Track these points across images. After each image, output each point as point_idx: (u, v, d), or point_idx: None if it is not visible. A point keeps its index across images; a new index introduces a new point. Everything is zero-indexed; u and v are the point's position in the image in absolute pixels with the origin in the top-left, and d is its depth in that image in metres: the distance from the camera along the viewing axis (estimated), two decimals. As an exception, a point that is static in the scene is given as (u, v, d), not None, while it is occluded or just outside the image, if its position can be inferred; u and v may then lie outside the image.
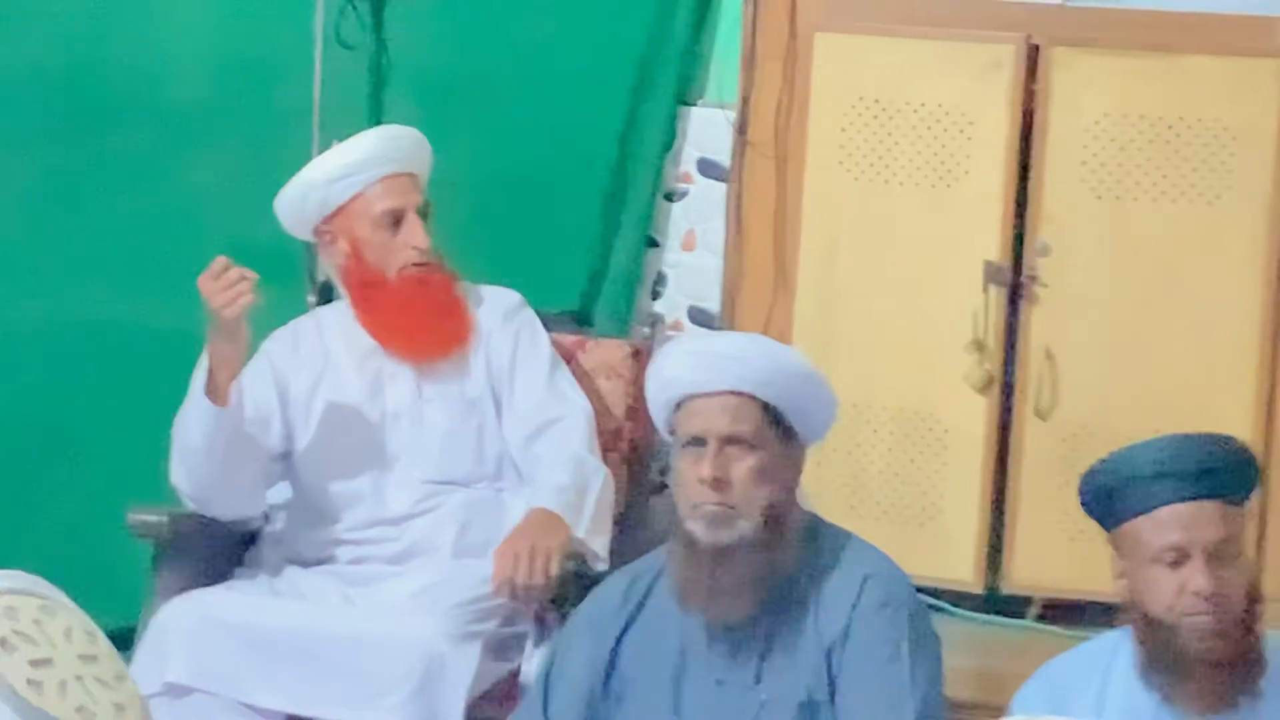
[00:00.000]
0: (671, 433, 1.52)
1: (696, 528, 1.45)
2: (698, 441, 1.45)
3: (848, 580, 1.49)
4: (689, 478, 1.44)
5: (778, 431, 1.48)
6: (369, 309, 1.85)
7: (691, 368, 1.51)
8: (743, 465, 1.45)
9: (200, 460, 1.79)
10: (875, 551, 1.53)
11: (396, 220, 1.83)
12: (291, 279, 2.03)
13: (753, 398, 1.47)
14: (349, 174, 1.82)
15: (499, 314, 1.92)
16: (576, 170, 2.28)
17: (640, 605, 1.60)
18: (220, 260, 1.72)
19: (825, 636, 1.47)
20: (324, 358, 1.92)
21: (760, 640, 1.50)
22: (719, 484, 1.44)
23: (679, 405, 1.49)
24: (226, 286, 1.70)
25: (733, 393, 1.46)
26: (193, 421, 1.78)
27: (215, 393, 1.74)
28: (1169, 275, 1.90)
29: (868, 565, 1.51)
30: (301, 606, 1.85)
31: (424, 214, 1.85)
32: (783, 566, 1.48)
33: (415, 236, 1.81)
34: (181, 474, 1.82)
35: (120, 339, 2.24)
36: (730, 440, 1.45)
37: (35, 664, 1.04)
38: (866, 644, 1.46)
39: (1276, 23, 1.91)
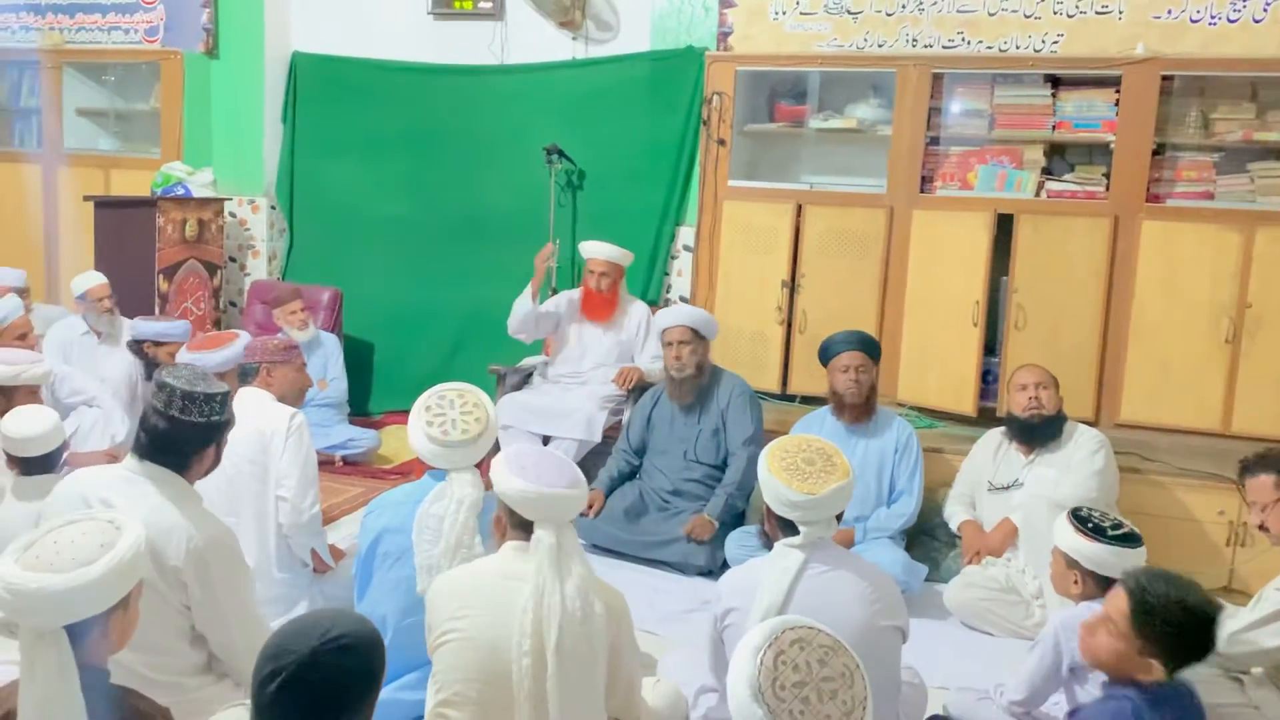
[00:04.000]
0: (660, 342, 4.51)
1: (673, 372, 4.32)
2: (670, 345, 4.41)
3: (727, 385, 4.36)
4: (669, 356, 4.28)
5: (697, 337, 4.33)
6: None
7: (667, 318, 4.34)
8: (686, 349, 4.27)
9: (521, 321, 4.83)
10: (738, 376, 4.40)
11: None
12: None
13: (690, 328, 4.43)
14: None
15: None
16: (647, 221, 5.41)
17: (657, 398, 4.48)
18: (548, 246, 4.87)
19: (722, 404, 4.36)
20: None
21: (697, 408, 4.39)
22: (679, 358, 4.39)
23: (663, 331, 4.46)
24: (544, 258, 4.82)
25: (681, 326, 4.34)
26: (519, 305, 4.77)
27: (531, 297, 4.79)
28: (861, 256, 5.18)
29: (734, 380, 4.28)
30: (546, 397, 4.91)
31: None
32: (703, 384, 4.38)
33: None
34: (513, 325, 4.81)
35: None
36: (683, 341, 4.37)
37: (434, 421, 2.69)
38: (736, 406, 4.38)
39: None
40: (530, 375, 5.03)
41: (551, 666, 2.09)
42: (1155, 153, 4.50)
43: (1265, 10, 4.49)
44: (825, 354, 4.16)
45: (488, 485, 2.42)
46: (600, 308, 4.91)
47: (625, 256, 4.94)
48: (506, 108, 5.68)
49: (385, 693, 2.66)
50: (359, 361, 5.69)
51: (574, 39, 5.62)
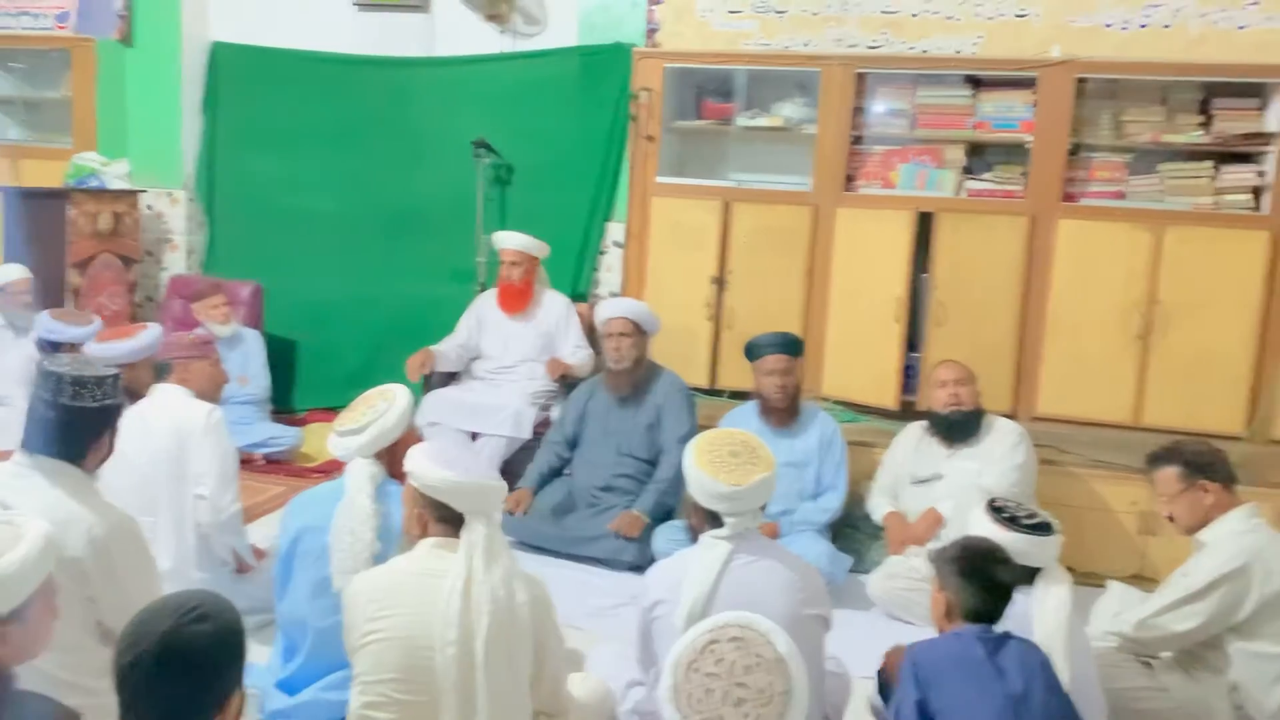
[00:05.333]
0: (601, 332, 4.61)
1: (611, 364, 4.43)
2: (611, 335, 4.60)
3: (664, 381, 4.41)
4: (608, 347, 4.41)
5: (637, 330, 4.50)
6: None
7: (609, 309, 4.50)
8: (627, 341, 4.38)
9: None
10: (673, 372, 4.44)
11: None
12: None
13: (629, 319, 4.61)
14: None
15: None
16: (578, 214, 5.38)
17: (592, 391, 4.55)
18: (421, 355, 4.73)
19: (658, 399, 4.44)
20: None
21: (633, 403, 4.49)
22: (619, 350, 4.51)
23: (604, 321, 4.55)
24: (417, 365, 4.63)
25: (623, 318, 4.56)
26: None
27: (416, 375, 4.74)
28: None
29: (672, 377, 4.32)
30: (473, 393, 4.90)
31: None
32: (640, 377, 4.52)
33: None
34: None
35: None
36: (623, 333, 4.52)
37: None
38: (672, 403, 4.41)
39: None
40: (457, 373, 4.99)
41: (479, 656, 2.08)
42: (1071, 153, 4.62)
43: (1175, 17, 4.63)
44: (751, 354, 4.20)
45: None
46: (514, 299, 4.91)
47: (539, 248, 4.93)
48: (434, 101, 5.62)
49: (309, 693, 2.64)
50: (282, 358, 5.58)
51: (501, 32, 5.58)
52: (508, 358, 4.92)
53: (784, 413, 4.10)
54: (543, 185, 5.43)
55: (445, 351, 4.88)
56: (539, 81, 5.42)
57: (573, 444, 4.39)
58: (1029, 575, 2.47)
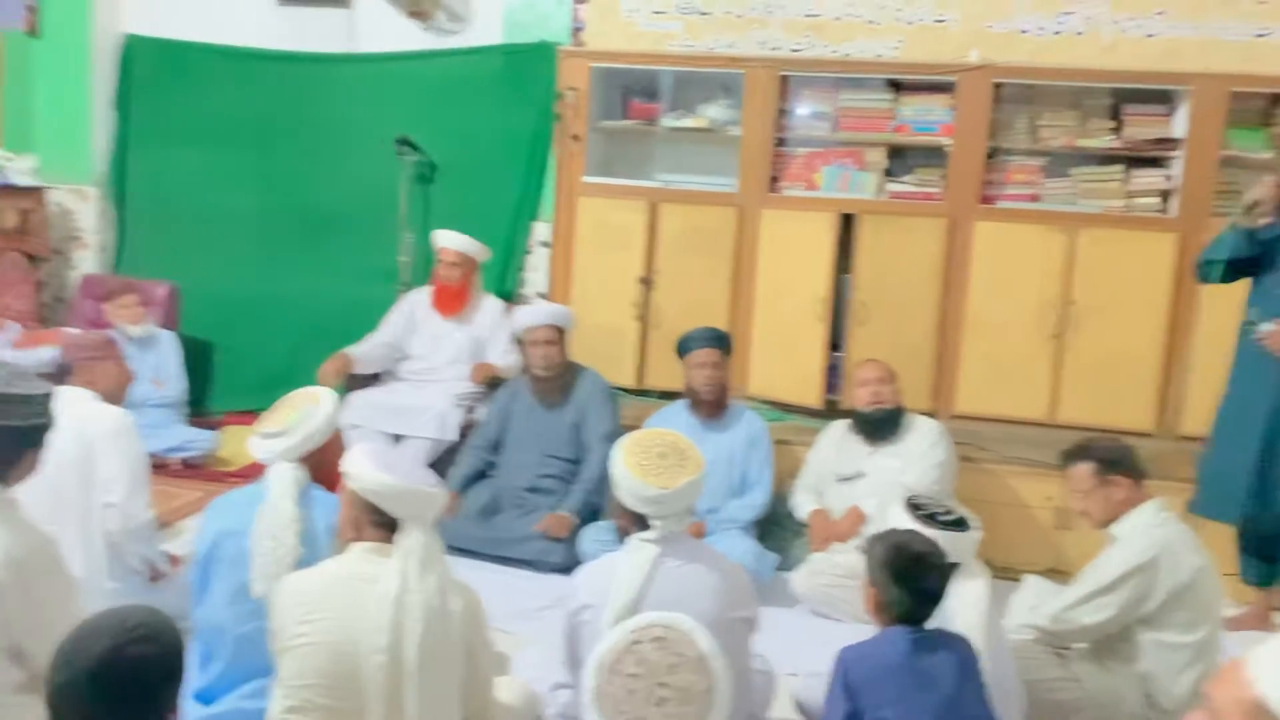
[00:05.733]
0: (524, 339, 4.49)
1: (540, 371, 4.35)
2: (537, 344, 4.48)
3: (586, 380, 4.41)
4: (535, 356, 4.33)
5: (562, 335, 4.41)
6: None
7: (532, 317, 4.38)
8: (554, 350, 4.32)
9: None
10: (593, 370, 4.46)
11: None
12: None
13: (557, 326, 4.44)
14: None
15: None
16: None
17: (514, 394, 4.49)
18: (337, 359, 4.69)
19: (582, 398, 4.44)
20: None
21: (556, 404, 4.38)
22: (547, 358, 4.35)
23: (527, 329, 4.38)
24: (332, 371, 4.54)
25: (549, 325, 4.39)
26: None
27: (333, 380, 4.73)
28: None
29: (593, 375, 4.35)
30: (397, 394, 4.80)
31: None
32: (567, 380, 4.41)
33: None
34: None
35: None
36: (550, 341, 4.39)
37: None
38: (595, 402, 4.37)
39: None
40: (378, 374, 4.92)
41: (411, 665, 2.05)
42: (988, 156, 4.72)
43: (1088, 24, 4.76)
44: (682, 349, 4.24)
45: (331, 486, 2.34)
46: (450, 301, 4.86)
47: (479, 250, 4.89)
48: (355, 98, 5.53)
49: (227, 702, 2.58)
50: (198, 360, 5.44)
51: (425, 30, 5.51)
52: (435, 359, 4.88)
53: (714, 405, 4.16)
54: (467, 184, 5.38)
55: (365, 353, 4.80)
56: (463, 79, 5.37)
57: (496, 446, 4.36)
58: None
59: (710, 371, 4.11)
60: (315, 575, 2.20)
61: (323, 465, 2.59)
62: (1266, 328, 3.61)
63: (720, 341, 4.22)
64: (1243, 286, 3.80)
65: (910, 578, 2.29)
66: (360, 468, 2.18)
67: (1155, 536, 2.92)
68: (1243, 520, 3.70)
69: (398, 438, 4.52)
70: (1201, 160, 4.47)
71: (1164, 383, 4.55)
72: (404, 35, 5.52)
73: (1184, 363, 4.51)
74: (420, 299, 4.97)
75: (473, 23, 5.46)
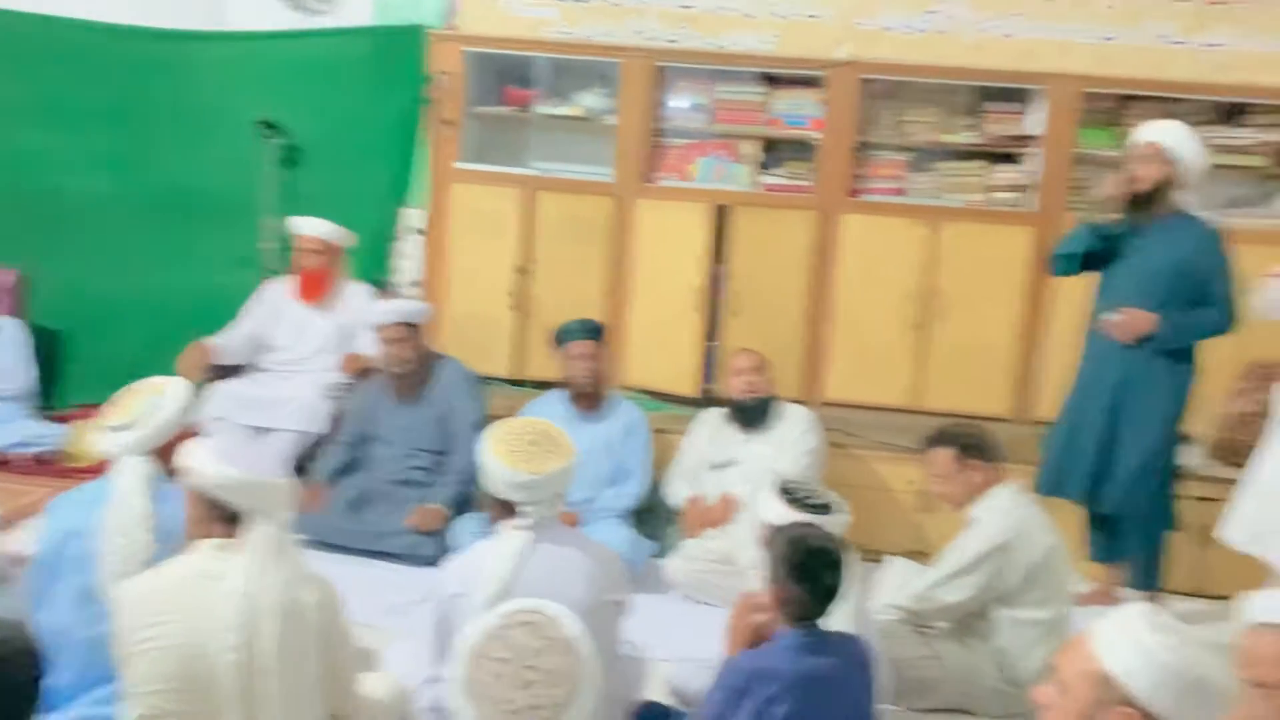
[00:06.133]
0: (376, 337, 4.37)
1: (394, 369, 4.19)
2: (386, 340, 4.26)
3: (449, 370, 4.32)
4: (387, 350, 4.26)
5: (414, 330, 4.23)
6: None
7: (384, 313, 4.23)
8: (406, 346, 4.20)
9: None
10: (457, 360, 4.37)
11: None
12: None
13: (404, 323, 4.22)
14: None
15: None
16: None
17: (377, 387, 4.35)
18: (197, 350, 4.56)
19: (445, 389, 4.31)
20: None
21: (420, 396, 4.27)
22: (399, 355, 4.24)
23: (378, 327, 4.23)
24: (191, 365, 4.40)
25: (396, 324, 4.21)
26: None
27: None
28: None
29: (457, 366, 4.28)
30: (261, 386, 4.66)
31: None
32: (424, 374, 4.28)
33: None
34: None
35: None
36: (399, 339, 4.17)
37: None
38: (459, 391, 4.28)
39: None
40: (241, 365, 4.75)
41: (265, 662, 1.98)
42: (856, 151, 4.83)
43: (951, 23, 4.92)
44: (559, 340, 4.24)
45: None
46: (312, 288, 4.74)
47: (342, 236, 4.78)
48: (217, 78, 5.31)
49: (76, 709, 2.45)
50: (47, 351, 5.15)
51: (293, 9, 5.34)
52: (301, 349, 4.75)
53: (592, 397, 4.18)
54: (335, 168, 5.22)
55: (226, 344, 4.65)
56: (331, 61, 5.22)
57: (362, 441, 4.28)
58: None
59: (587, 363, 4.14)
60: (159, 576, 2.11)
61: (176, 458, 2.48)
62: (1111, 317, 3.79)
63: (596, 333, 4.25)
64: (1094, 279, 3.99)
65: (810, 573, 2.31)
66: (199, 462, 2.10)
67: (1011, 518, 3.05)
68: (1085, 498, 3.88)
69: (262, 431, 4.37)
70: (1057, 157, 4.67)
71: (1020, 370, 4.74)
72: (270, 15, 5.33)
73: (1039, 351, 4.71)
74: (281, 287, 4.83)
75: (342, 3, 5.31)
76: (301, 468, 4.32)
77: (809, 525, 2.49)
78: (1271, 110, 4.67)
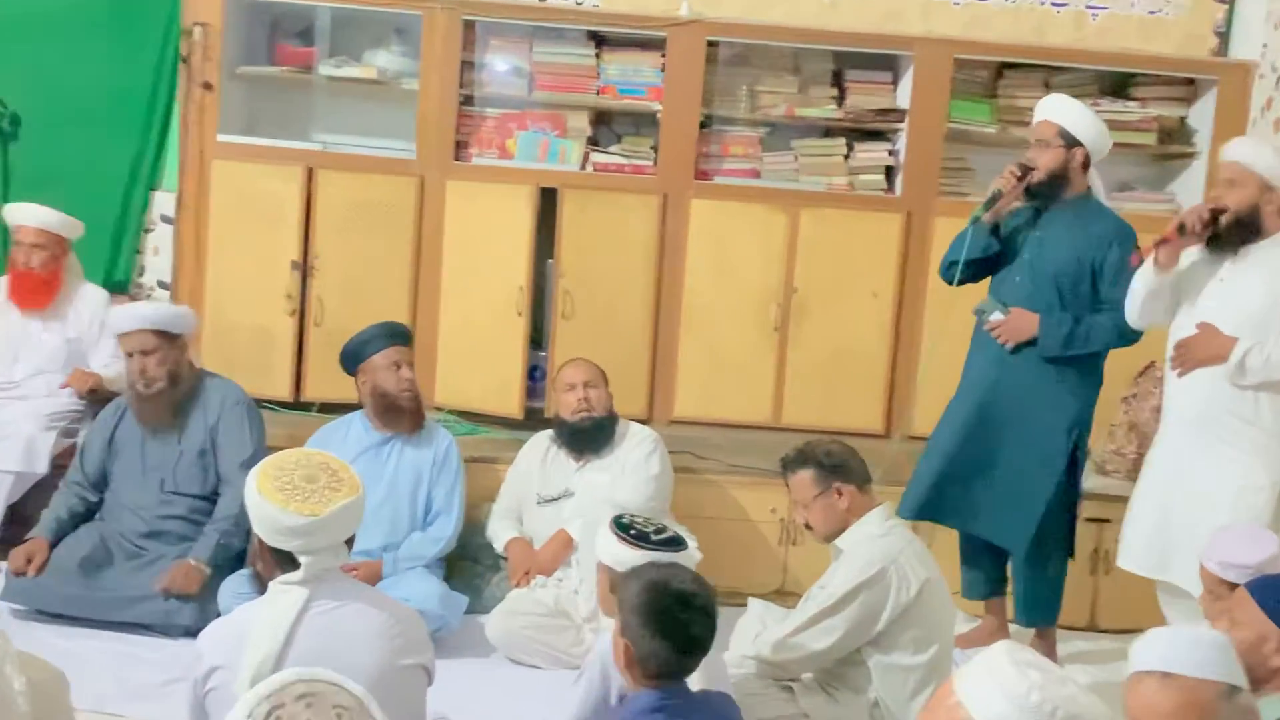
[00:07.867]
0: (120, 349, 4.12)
1: (140, 388, 3.93)
2: (130, 354, 3.98)
3: (215, 393, 4.08)
4: (131, 368, 3.99)
5: (168, 341, 3.95)
6: None
7: (129, 319, 3.95)
8: (153, 359, 3.94)
9: None
10: (230, 381, 4.18)
11: None
12: None
13: (154, 330, 3.93)
14: None
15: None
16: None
17: (121, 414, 4.08)
18: None
19: (210, 418, 4.07)
20: None
21: (177, 425, 4.01)
22: (145, 371, 3.97)
23: (120, 336, 4.01)
24: None
25: (146, 331, 3.93)
26: None
27: None
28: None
29: (226, 386, 4.14)
30: None
31: None
32: (181, 397, 4.05)
33: None
34: None
35: None
36: (146, 351, 3.93)
37: None
38: (229, 420, 4.06)
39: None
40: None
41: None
42: (702, 125, 4.91)
43: (806, -22, 5.06)
44: (359, 354, 4.13)
45: None
46: (34, 292, 4.54)
47: (69, 226, 4.60)
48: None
49: None
50: None
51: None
52: (19, 370, 4.56)
53: (416, 415, 4.12)
54: (62, 143, 4.99)
55: None
56: (56, 12, 4.98)
57: (101, 484, 4.08)
58: None
59: (405, 372, 4.08)
60: None
61: None
62: (997, 316, 3.89)
63: (405, 338, 4.21)
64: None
65: (672, 625, 2.29)
66: None
67: (880, 547, 3.13)
68: (963, 524, 3.98)
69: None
70: (926, 133, 4.86)
71: (892, 379, 4.91)
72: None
73: (911, 357, 4.88)
74: (-11, 288, 4.58)
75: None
76: (17, 518, 4.14)
77: (670, 566, 2.48)
78: (1160, 81, 4.98)
